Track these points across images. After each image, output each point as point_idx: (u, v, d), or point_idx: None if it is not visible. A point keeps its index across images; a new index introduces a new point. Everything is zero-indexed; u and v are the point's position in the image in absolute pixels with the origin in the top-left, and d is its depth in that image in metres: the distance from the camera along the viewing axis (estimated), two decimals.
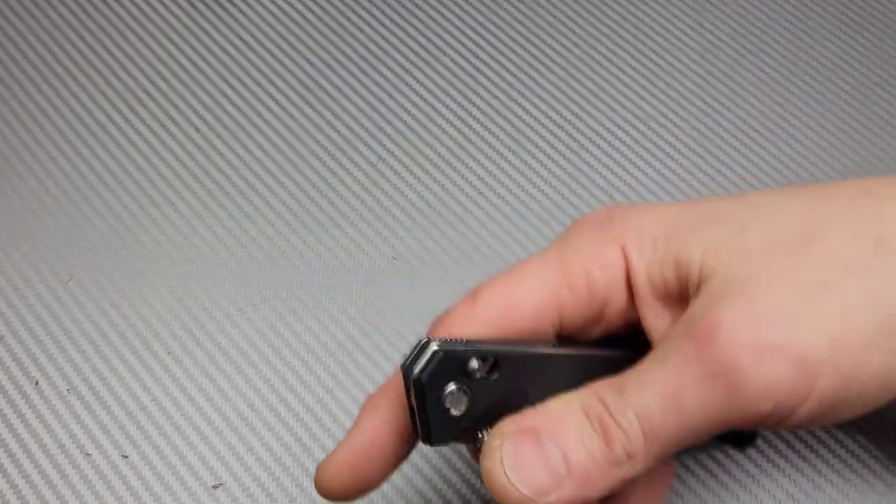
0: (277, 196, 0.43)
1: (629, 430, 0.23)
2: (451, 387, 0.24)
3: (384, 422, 0.26)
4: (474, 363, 0.24)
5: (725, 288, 0.24)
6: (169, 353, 0.39)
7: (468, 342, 0.25)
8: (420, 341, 0.24)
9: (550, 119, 0.45)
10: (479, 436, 0.25)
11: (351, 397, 0.38)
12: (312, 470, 0.36)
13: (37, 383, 0.38)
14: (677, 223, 0.26)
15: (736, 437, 0.29)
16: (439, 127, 0.45)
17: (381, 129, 0.45)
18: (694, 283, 0.25)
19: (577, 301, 0.26)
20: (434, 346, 0.24)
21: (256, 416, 0.37)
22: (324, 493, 0.27)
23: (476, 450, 0.25)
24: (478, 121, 0.46)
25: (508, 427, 0.24)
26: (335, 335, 0.39)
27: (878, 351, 0.23)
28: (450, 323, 0.26)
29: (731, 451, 0.36)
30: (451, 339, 0.24)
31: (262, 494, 0.35)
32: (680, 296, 0.26)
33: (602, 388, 0.24)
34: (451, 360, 0.24)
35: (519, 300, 0.26)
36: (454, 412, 0.24)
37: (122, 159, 0.44)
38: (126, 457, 0.36)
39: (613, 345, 0.28)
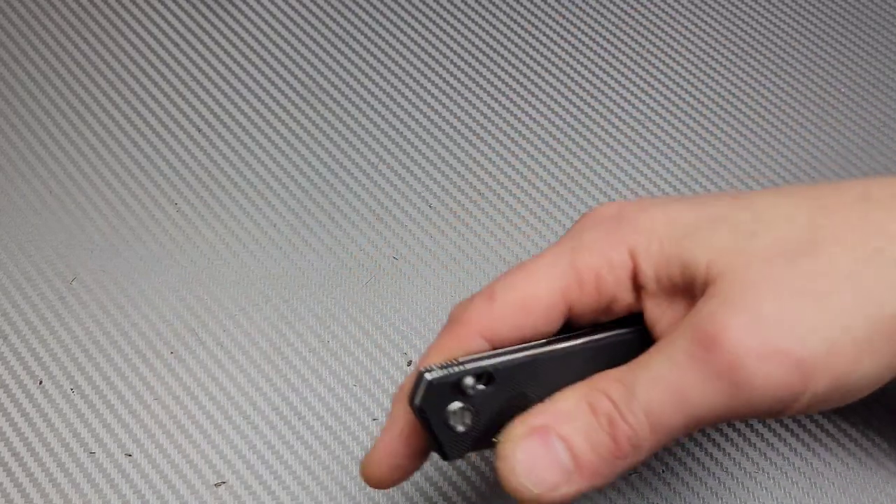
0: (279, 196, 0.43)
1: (636, 426, 0.25)
2: (453, 406, 0.26)
3: (406, 425, 0.28)
4: (469, 381, 0.26)
5: (731, 293, 0.25)
6: (172, 353, 0.39)
7: (461, 363, 0.26)
8: (419, 372, 0.26)
9: (549, 120, 0.46)
10: (494, 441, 0.26)
11: (352, 396, 0.38)
12: (314, 467, 0.36)
13: (41, 383, 0.38)
14: (686, 224, 0.27)
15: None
16: (439, 127, 0.46)
17: (381, 129, 0.46)
18: (700, 284, 0.26)
19: (587, 297, 0.28)
20: (427, 377, 0.26)
21: (258, 414, 0.38)
22: (371, 483, 0.29)
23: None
24: (477, 121, 0.46)
25: (517, 430, 0.26)
26: (336, 334, 0.39)
27: (870, 353, 0.25)
28: (468, 320, 0.28)
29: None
30: (445, 363, 0.26)
31: (264, 492, 0.36)
32: (684, 292, 0.27)
33: (609, 385, 0.26)
34: (445, 386, 0.26)
35: (533, 299, 0.28)
36: (461, 428, 0.26)
37: (124, 159, 0.44)
38: (129, 455, 0.37)
39: (614, 326, 0.29)
